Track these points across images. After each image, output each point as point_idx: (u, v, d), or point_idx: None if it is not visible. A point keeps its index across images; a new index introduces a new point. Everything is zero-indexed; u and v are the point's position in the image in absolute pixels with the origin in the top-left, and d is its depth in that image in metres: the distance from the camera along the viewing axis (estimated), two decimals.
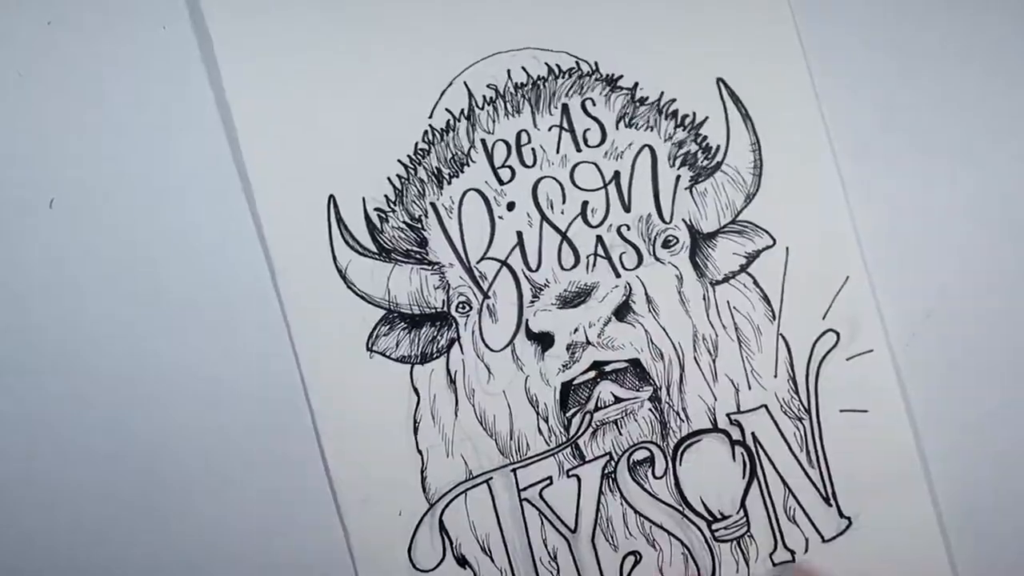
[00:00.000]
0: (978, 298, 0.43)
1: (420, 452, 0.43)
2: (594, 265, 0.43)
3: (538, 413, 0.43)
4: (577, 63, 0.43)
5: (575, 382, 0.43)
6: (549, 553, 0.43)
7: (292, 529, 0.43)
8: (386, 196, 0.43)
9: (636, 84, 0.44)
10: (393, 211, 0.43)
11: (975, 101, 0.43)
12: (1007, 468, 0.43)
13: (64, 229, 0.42)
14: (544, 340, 0.43)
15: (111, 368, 0.42)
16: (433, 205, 0.43)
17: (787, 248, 0.43)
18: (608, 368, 0.43)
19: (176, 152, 0.43)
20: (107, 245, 0.42)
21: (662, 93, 0.44)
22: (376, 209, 0.43)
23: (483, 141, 0.43)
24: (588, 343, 0.43)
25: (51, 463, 0.42)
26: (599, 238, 0.43)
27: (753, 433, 0.44)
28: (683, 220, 0.44)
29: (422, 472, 0.43)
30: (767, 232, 0.43)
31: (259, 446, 0.43)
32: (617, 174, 0.43)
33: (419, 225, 0.43)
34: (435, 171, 0.43)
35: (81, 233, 0.42)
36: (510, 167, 0.43)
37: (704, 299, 0.43)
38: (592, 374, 0.43)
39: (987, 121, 0.43)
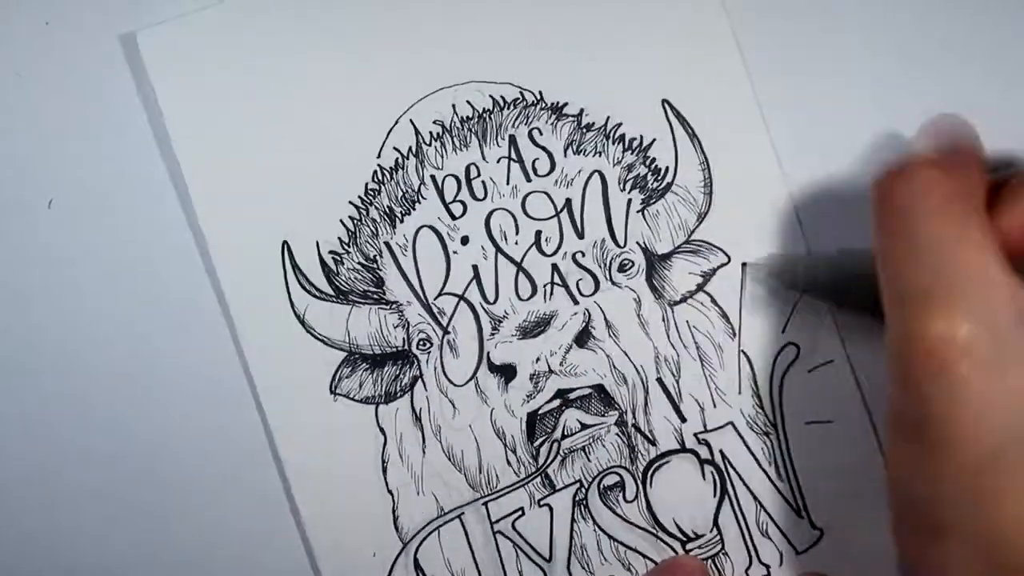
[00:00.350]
0: None
1: (390, 492, 0.44)
2: (551, 294, 0.44)
3: (505, 445, 0.44)
4: (521, 93, 0.44)
5: (540, 411, 0.44)
6: None
7: None
8: (339, 238, 0.44)
9: (582, 111, 0.44)
10: (348, 253, 0.44)
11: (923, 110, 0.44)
12: None
13: (63, 229, 0.42)
14: (507, 372, 0.44)
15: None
16: (387, 244, 0.44)
17: (743, 264, 0.44)
18: (572, 395, 0.44)
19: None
20: (107, 245, 0.43)
21: (608, 118, 0.44)
22: (331, 252, 0.44)
23: (433, 177, 0.44)
24: (551, 372, 0.44)
25: (48, 463, 0.43)
26: (555, 266, 0.44)
27: (721, 451, 0.44)
28: (637, 243, 0.44)
29: (394, 512, 0.44)
30: (721, 250, 0.44)
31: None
32: (568, 201, 0.44)
33: (374, 265, 0.44)
34: (387, 210, 0.44)
35: (80, 233, 0.43)
36: (461, 201, 0.44)
37: (663, 320, 0.44)
38: (557, 402, 0.44)
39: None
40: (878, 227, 0.34)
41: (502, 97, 0.44)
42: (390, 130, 0.44)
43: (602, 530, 0.44)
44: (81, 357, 0.43)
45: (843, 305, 0.42)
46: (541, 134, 0.44)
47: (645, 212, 0.44)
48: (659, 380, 0.44)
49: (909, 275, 0.32)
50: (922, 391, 0.31)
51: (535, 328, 0.44)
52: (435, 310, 0.44)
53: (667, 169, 0.44)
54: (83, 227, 0.43)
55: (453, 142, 0.44)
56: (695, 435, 0.44)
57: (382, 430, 0.44)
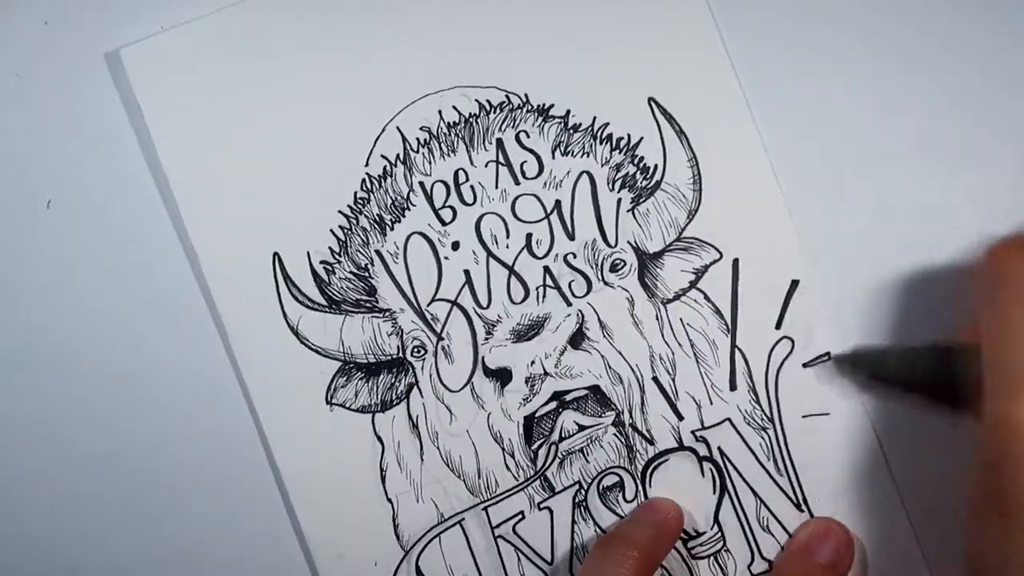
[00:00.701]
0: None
1: (390, 500, 0.44)
2: (544, 296, 0.44)
3: (503, 449, 0.44)
4: (507, 96, 0.44)
5: (537, 414, 0.44)
6: None
7: None
8: (330, 248, 0.44)
9: (568, 112, 0.45)
10: (339, 262, 0.44)
11: (904, 102, 0.44)
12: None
13: (61, 230, 0.43)
14: (502, 376, 0.44)
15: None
16: (378, 252, 0.44)
17: (735, 260, 0.44)
18: (568, 397, 0.44)
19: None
20: (105, 246, 0.44)
21: (595, 118, 0.45)
22: (322, 262, 0.44)
23: (421, 184, 0.44)
24: (546, 374, 0.44)
25: (45, 463, 0.43)
26: (546, 268, 0.44)
27: (720, 448, 0.44)
28: (628, 243, 0.44)
29: (394, 520, 0.44)
30: (713, 246, 0.44)
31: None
32: (558, 203, 0.44)
33: (366, 274, 0.44)
34: (377, 218, 0.44)
35: (78, 234, 0.43)
36: (451, 207, 0.44)
37: (657, 319, 0.44)
38: (553, 405, 0.44)
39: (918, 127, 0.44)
40: (987, 304, 0.34)
41: (488, 101, 0.44)
42: (377, 138, 0.44)
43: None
44: (78, 359, 0.44)
45: (930, 397, 0.40)
46: (528, 137, 0.44)
47: (635, 211, 0.45)
48: (655, 379, 0.44)
49: (1012, 356, 0.32)
50: (1013, 475, 0.31)
51: (529, 331, 0.44)
52: (428, 316, 0.44)
53: (655, 167, 0.45)
54: (81, 228, 0.44)
55: (440, 148, 0.44)
56: (692, 433, 0.45)
57: (379, 438, 0.44)
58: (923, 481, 0.44)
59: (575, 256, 0.44)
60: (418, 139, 0.44)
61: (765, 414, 0.44)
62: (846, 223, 0.44)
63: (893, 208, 0.43)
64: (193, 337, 0.44)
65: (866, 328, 0.44)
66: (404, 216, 0.44)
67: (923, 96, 0.44)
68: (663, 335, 0.44)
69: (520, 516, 0.44)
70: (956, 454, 0.42)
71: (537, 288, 0.44)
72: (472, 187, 0.44)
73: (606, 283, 0.44)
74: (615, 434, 0.44)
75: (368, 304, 0.44)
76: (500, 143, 0.44)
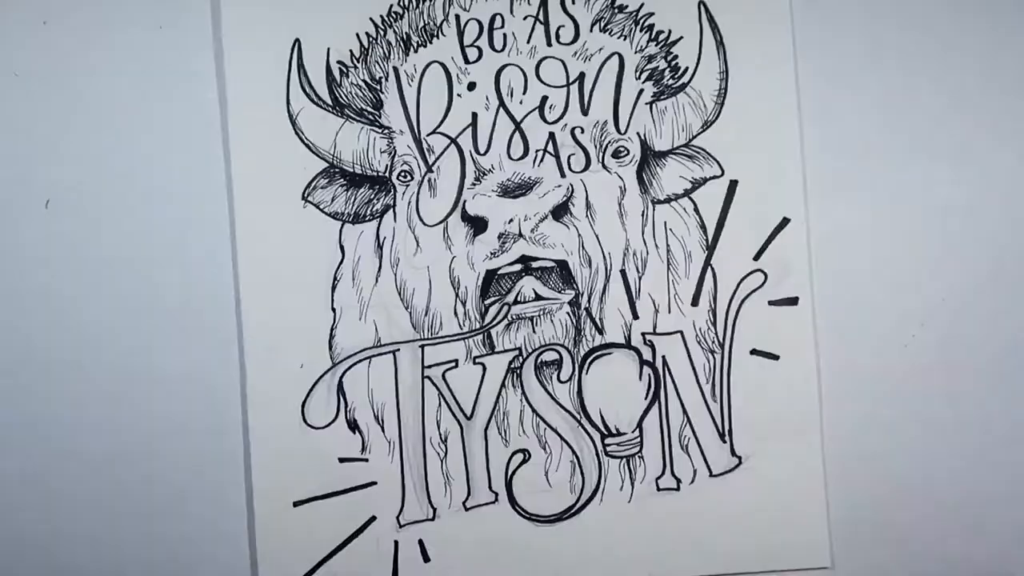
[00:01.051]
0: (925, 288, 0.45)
1: (334, 310, 0.44)
2: (542, 160, 0.44)
3: (457, 295, 0.44)
4: None
5: (499, 272, 0.44)
6: (440, 435, 0.44)
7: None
8: (351, 51, 0.44)
9: None
10: (355, 67, 0.44)
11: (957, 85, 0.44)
12: (896, 439, 0.44)
13: (60, 230, 0.43)
14: (477, 224, 0.44)
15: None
16: (396, 69, 0.44)
17: (733, 181, 0.44)
18: (535, 264, 0.44)
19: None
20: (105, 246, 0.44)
21: (642, 4, 0.45)
22: (339, 62, 0.44)
23: (457, 17, 0.44)
24: (520, 236, 0.44)
25: (45, 463, 0.43)
26: (552, 135, 0.44)
27: (664, 357, 0.45)
28: (637, 134, 0.45)
29: (332, 330, 0.44)
30: (717, 161, 0.44)
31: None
32: (582, 76, 0.44)
33: (378, 86, 0.44)
34: (404, 36, 0.44)
35: (76, 234, 0.44)
36: (478, 47, 0.44)
37: (643, 215, 0.44)
38: (518, 267, 0.44)
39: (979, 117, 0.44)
40: None
41: None
42: None
43: (528, 402, 0.45)
44: (77, 359, 0.44)
45: None
46: (573, 3, 0.44)
47: (654, 106, 0.45)
48: (622, 272, 0.44)
49: None
50: None
51: (517, 189, 0.44)
52: (425, 145, 0.44)
53: (686, 69, 0.45)
54: (80, 228, 0.44)
55: None
56: (643, 334, 0.45)
57: (342, 248, 0.44)
58: (851, 450, 0.44)
59: (582, 131, 0.44)
60: None
61: (717, 338, 0.44)
62: (858, 172, 0.44)
63: (895, 206, 0.44)
64: (193, 340, 0.44)
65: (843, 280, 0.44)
66: (431, 42, 0.44)
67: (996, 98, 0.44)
68: (643, 232, 0.45)
69: (453, 364, 0.45)
70: (893, 434, 0.43)
71: (537, 151, 0.44)
72: (504, 35, 0.44)
73: (604, 166, 0.45)
74: (568, 313, 0.44)
75: (371, 116, 0.44)
76: (544, 1, 0.44)
